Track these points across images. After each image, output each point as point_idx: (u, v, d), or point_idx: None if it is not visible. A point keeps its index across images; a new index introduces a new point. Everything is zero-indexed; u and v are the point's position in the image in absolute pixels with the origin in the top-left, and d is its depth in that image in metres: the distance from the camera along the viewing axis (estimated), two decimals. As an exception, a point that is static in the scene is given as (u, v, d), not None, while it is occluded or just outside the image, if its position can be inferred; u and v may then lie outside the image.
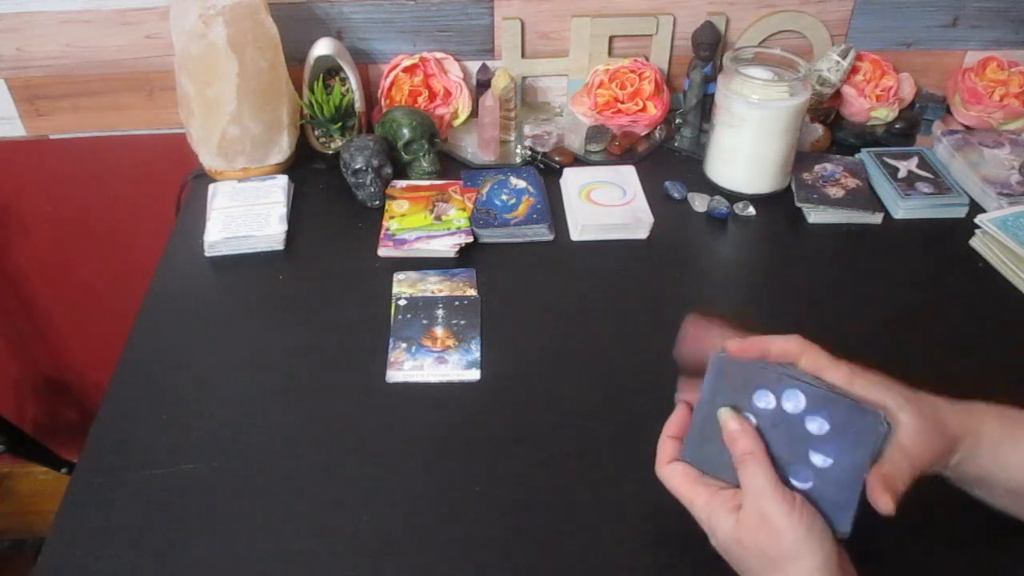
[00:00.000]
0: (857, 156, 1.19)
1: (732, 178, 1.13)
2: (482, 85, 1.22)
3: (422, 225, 1.03)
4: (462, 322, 0.91)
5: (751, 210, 1.10)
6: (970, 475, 0.58)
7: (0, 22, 1.18)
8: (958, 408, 0.58)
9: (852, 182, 1.12)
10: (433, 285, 0.97)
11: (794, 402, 0.57)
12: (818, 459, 0.56)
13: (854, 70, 1.25)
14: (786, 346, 0.59)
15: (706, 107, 1.22)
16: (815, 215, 1.09)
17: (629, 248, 1.04)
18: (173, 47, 1.08)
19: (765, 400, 0.58)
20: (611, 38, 1.26)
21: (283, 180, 1.11)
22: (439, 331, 0.90)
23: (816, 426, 0.56)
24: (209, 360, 0.88)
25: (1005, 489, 0.59)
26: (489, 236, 1.04)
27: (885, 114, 1.26)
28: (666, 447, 0.61)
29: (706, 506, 0.56)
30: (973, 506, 0.67)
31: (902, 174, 1.14)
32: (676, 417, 0.62)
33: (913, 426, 0.55)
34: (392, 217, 1.05)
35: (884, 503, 0.53)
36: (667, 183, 1.13)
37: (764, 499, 0.53)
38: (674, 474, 0.59)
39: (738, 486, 0.56)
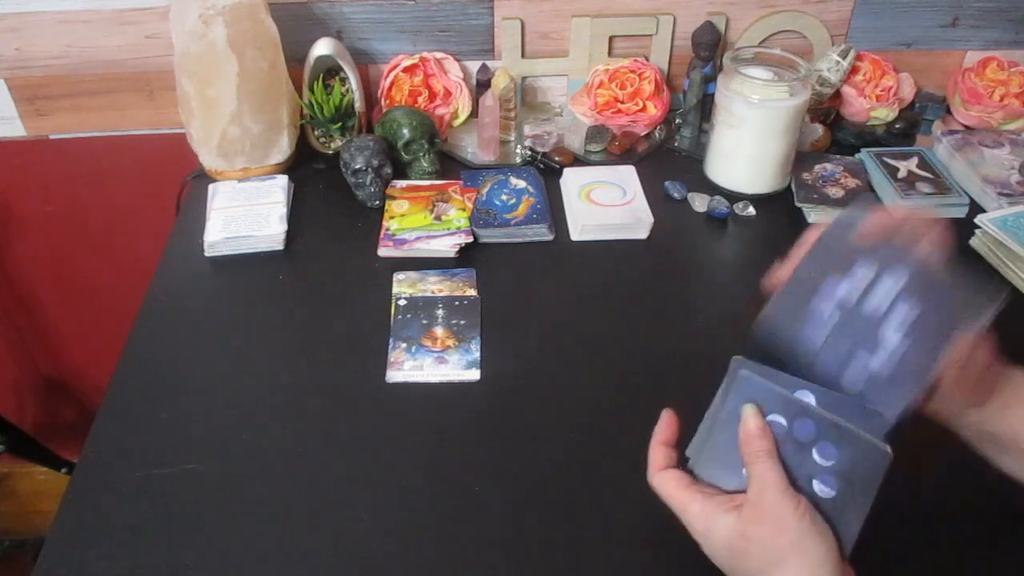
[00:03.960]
0: (857, 156, 1.19)
1: (732, 178, 1.12)
2: (482, 85, 1.22)
3: (422, 225, 1.03)
4: (462, 322, 0.91)
5: (751, 210, 1.10)
6: (987, 433, 0.59)
7: (0, 22, 1.18)
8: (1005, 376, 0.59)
9: (852, 182, 1.12)
10: (433, 285, 0.97)
11: (805, 432, 0.57)
12: (821, 488, 0.56)
13: (854, 70, 1.25)
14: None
15: (706, 107, 1.22)
16: (815, 215, 1.09)
17: (629, 248, 1.04)
18: (173, 47, 1.08)
19: (777, 424, 0.58)
20: (611, 38, 1.26)
21: (283, 180, 1.11)
22: (439, 331, 0.90)
23: (823, 457, 0.56)
24: (209, 360, 0.88)
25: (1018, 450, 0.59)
26: (489, 236, 1.04)
27: (885, 114, 1.26)
28: (657, 453, 0.60)
29: (702, 511, 0.56)
30: (971, 508, 0.67)
31: (902, 174, 1.14)
32: (665, 423, 0.61)
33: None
34: (392, 217, 1.05)
35: None
36: (667, 183, 1.13)
37: (774, 493, 0.53)
38: (667, 481, 0.58)
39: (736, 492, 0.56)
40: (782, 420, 0.57)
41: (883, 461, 0.55)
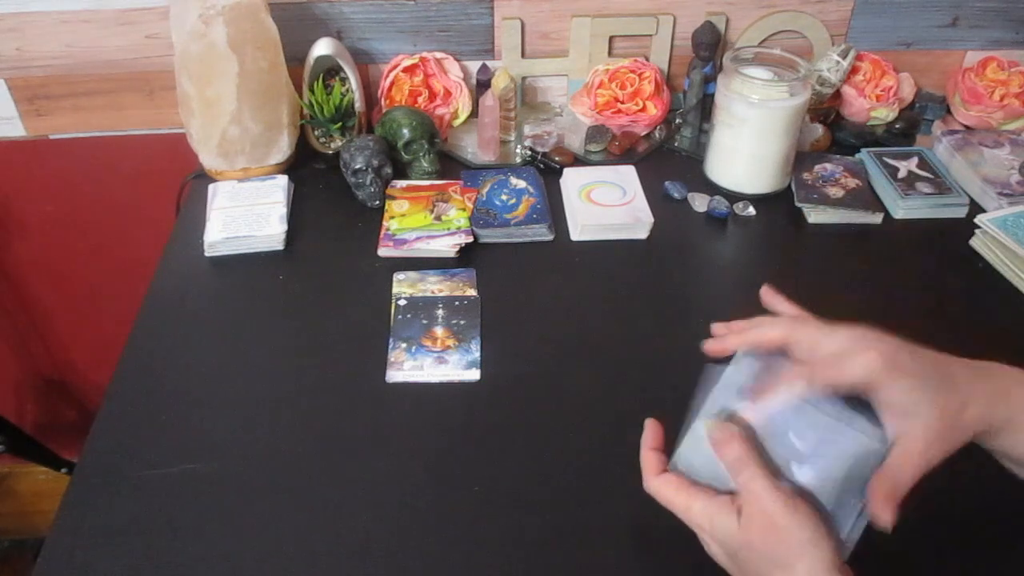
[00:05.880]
0: (857, 156, 1.19)
1: (732, 178, 1.12)
2: (482, 85, 1.22)
3: (422, 225, 1.03)
4: (462, 322, 0.91)
5: (751, 210, 1.10)
6: (998, 452, 0.57)
7: (0, 22, 1.18)
8: (990, 397, 0.55)
9: (852, 182, 1.12)
10: (433, 285, 0.97)
11: (781, 417, 0.57)
12: (801, 473, 0.56)
13: (854, 70, 1.25)
14: (772, 336, 0.59)
15: (706, 107, 1.22)
16: (815, 215, 1.09)
17: (629, 248, 1.04)
18: (173, 47, 1.08)
19: (753, 412, 0.57)
20: (611, 38, 1.26)
21: (283, 180, 1.11)
22: (439, 331, 0.90)
23: (800, 442, 0.56)
24: (209, 360, 0.88)
25: None
26: (489, 236, 1.04)
27: (885, 114, 1.26)
28: (650, 459, 0.60)
29: (704, 511, 0.55)
30: (973, 510, 0.67)
31: (902, 174, 1.14)
32: (651, 430, 0.61)
33: (928, 435, 0.53)
34: (392, 217, 1.05)
35: (883, 519, 0.52)
36: (667, 183, 1.13)
37: (765, 500, 0.53)
38: (666, 485, 0.58)
39: (732, 492, 0.56)
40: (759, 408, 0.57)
41: (864, 443, 0.55)
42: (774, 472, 0.55)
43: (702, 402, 0.60)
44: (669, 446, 0.61)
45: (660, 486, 0.58)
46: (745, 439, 0.55)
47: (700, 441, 0.59)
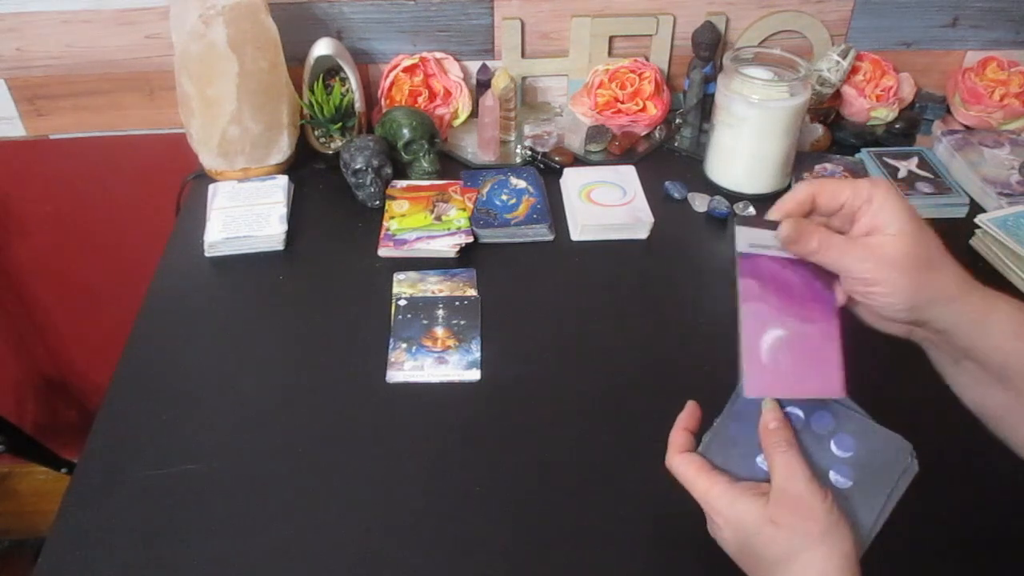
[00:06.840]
0: (857, 156, 1.19)
1: (732, 178, 1.13)
2: (482, 85, 1.22)
3: (422, 225, 1.03)
4: (462, 322, 0.91)
5: (751, 210, 1.10)
6: (956, 343, 0.57)
7: (0, 22, 1.18)
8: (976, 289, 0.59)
9: (852, 182, 1.12)
10: (433, 285, 0.97)
11: (823, 424, 0.57)
12: (837, 479, 0.56)
13: (854, 70, 1.25)
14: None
15: (706, 107, 1.22)
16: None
17: (629, 248, 1.04)
18: (173, 47, 1.08)
19: (794, 416, 0.58)
20: (611, 38, 1.26)
21: (283, 180, 1.11)
22: (439, 331, 0.90)
23: (841, 449, 0.56)
24: (209, 360, 0.88)
25: (984, 365, 0.57)
26: (489, 236, 1.04)
27: (885, 114, 1.26)
28: (678, 438, 0.60)
29: (725, 494, 0.55)
30: (972, 511, 0.67)
31: (902, 174, 1.14)
32: (689, 412, 0.61)
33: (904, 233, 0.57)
34: (392, 217, 1.05)
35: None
36: (667, 183, 1.13)
37: (801, 482, 0.53)
38: (688, 464, 0.58)
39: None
40: (799, 412, 0.57)
41: (902, 453, 0.55)
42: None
43: (740, 394, 0.60)
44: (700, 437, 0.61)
45: (682, 465, 0.58)
46: (792, 430, 0.56)
47: (734, 433, 0.59)
